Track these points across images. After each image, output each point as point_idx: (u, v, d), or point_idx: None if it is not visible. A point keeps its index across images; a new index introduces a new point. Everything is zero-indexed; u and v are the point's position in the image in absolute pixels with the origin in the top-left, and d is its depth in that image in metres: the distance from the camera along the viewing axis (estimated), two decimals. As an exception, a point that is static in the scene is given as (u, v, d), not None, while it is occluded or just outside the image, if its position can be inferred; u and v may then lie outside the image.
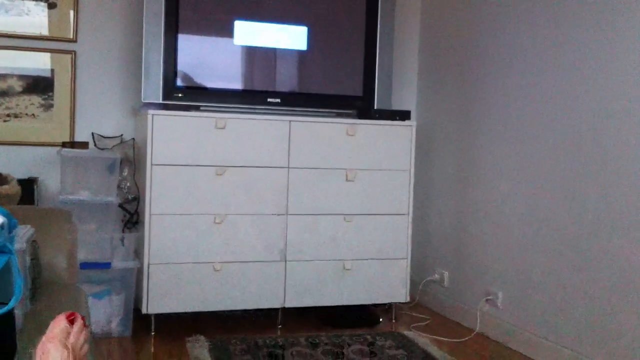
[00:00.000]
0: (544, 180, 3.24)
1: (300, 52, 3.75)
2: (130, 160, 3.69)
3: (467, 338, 3.56)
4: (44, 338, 1.30)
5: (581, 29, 3.03)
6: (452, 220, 4.00)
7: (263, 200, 3.52)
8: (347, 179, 3.65)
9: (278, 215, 3.54)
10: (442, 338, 3.54)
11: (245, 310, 3.75)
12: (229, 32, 3.62)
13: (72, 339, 1.32)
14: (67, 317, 1.36)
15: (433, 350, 3.31)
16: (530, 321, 3.31)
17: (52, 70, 3.72)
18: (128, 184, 3.68)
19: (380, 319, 3.82)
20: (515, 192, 3.44)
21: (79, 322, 1.37)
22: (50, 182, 3.68)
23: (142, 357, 3.19)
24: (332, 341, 3.40)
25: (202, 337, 3.36)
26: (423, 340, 3.46)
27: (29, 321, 1.79)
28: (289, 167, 3.55)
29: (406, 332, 3.59)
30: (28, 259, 1.95)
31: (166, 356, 3.17)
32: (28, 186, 3.46)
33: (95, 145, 3.70)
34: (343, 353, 3.23)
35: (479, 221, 3.74)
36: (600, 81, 2.92)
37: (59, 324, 1.35)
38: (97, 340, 3.26)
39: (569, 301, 3.06)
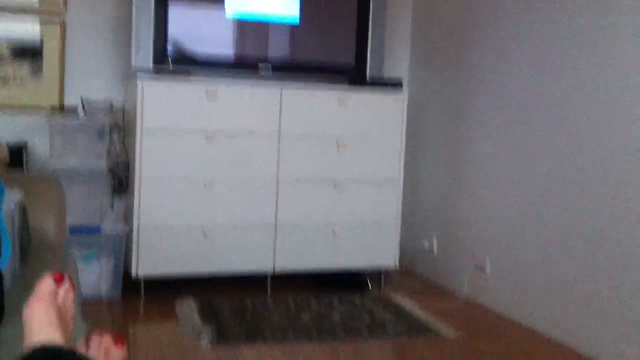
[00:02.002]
0: (536, 151, 3.25)
1: (292, 21, 3.73)
2: (119, 126, 3.68)
3: (455, 304, 3.61)
4: (30, 298, 1.31)
5: (581, 17, 3.03)
6: (442, 188, 4.02)
7: (253, 167, 3.53)
8: (338, 147, 3.65)
9: (268, 180, 3.55)
10: (430, 304, 3.58)
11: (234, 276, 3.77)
12: (220, 1, 3.59)
13: (59, 299, 1.33)
14: (54, 277, 1.36)
15: (421, 315, 3.35)
16: (517, 287, 3.35)
17: (41, 41, 3.69)
18: (117, 150, 3.68)
19: (370, 285, 3.85)
20: (506, 161, 3.46)
21: (66, 283, 1.37)
22: (40, 148, 3.67)
23: (132, 319, 3.23)
24: (320, 304, 3.44)
25: (190, 299, 3.40)
26: (411, 305, 3.50)
27: (18, 284, 1.81)
28: (279, 135, 3.55)
29: (394, 297, 3.63)
30: (16, 221, 1.96)
31: (156, 318, 3.21)
32: (17, 151, 3.45)
33: (84, 110, 3.69)
34: (330, 315, 3.27)
35: (468, 189, 3.77)
36: (600, 75, 2.92)
37: (46, 283, 1.34)
38: (86, 303, 3.27)
39: (555, 268, 3.09)
